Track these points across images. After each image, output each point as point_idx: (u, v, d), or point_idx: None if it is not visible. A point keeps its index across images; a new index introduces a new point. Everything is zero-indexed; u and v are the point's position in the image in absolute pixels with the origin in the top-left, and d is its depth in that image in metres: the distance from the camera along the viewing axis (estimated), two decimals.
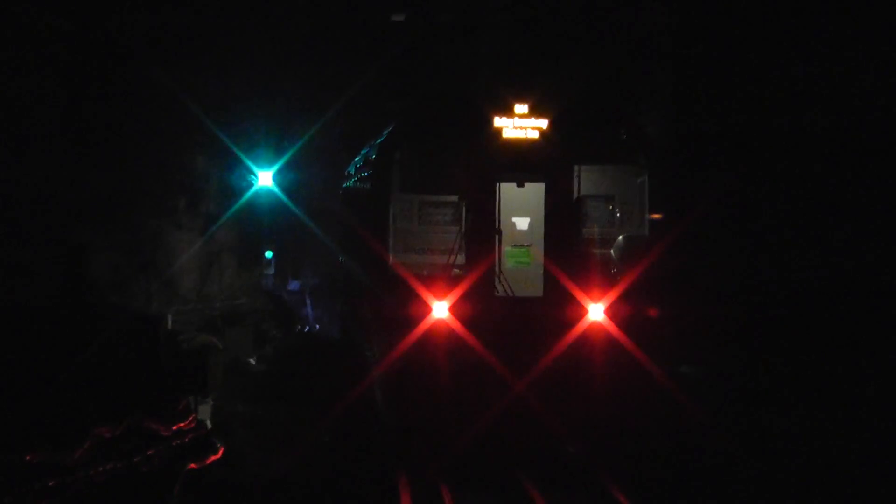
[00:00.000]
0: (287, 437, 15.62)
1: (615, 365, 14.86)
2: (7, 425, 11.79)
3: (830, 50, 17.06)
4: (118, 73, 18.37)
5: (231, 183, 22.71)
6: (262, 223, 24.72)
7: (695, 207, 16.68)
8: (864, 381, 16.00)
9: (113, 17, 18.25)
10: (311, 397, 17.56)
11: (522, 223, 16.60)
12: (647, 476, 13.94)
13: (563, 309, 15.01)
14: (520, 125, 15.48)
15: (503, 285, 15.62)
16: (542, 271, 15.52)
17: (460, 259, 15.61)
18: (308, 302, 28.21)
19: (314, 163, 24.44)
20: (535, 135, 15.44)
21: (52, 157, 17.11)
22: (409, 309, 14.86)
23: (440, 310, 14.85)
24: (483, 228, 15.41)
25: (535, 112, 15.47)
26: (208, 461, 13.73)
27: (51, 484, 11.41)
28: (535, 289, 15.68)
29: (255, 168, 22.36)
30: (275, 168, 22.49)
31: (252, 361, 22.10)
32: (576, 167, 15.72)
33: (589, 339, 14.97)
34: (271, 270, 27.16)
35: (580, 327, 14.94)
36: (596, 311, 14.99)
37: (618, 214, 16.68)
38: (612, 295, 15.00)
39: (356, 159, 18.96)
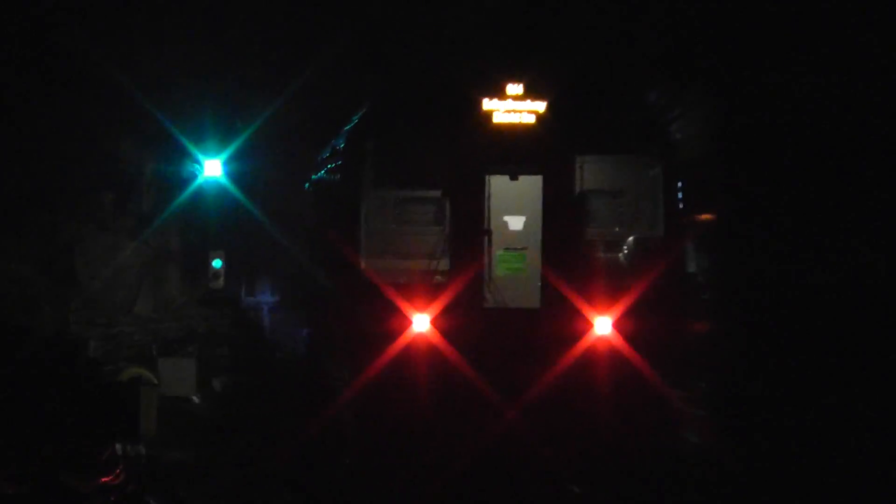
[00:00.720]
0: (236, 492, 14.39)
1: (625, 387, 14.18)
2: None
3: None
4: (27, 41, 17.20)
5: (171, 174, 21.19)
6: (209, 224, 22.61)
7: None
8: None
9: None
10: (268, 439, 16.20)
11: (516, 223, 15.81)
12: None
13: (563, 322, 14.51)
14: (513, 108, 14.96)
15: (493, 295, 15.07)
16: (538, 279, 14.96)
17: (444, 264, 15.05)
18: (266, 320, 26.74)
19: (274, 152, 22.87)
20: (530, 119, 14.92)
21: None
22: (384, 322, 14.36)
23: (421, 323, 14.35)
24: (470, 229, 15.01)
25: (530, 93, 14.97)
26: None
27: None
28: (530, 299, 15.10)
29: (200, 156, 20.68)
30: (224, 156, 20.76)
31: (195, 399, 19.70)
32: (578, 158, 15.13)
33: (594, 358, 14.41)
34: (220, 284, 24.42)
35: (584, 343, 14.43)
36: (602, 325, 14.40)
37: (627, 212, 15.95)
38: (622, 306, 14.35)
39: (324, 149, 18.37)
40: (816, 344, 16.11)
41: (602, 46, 16.43)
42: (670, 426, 14.63)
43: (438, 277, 14.97)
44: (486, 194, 15.01)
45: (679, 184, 15.26)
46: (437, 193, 15.64)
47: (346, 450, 15.04)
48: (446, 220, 15.21)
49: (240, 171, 21.10)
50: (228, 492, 14.30)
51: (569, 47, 16.08)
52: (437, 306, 14.26)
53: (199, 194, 21.04)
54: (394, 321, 14.21)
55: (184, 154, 20.46)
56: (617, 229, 15.83)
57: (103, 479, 12.06)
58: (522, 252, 15.63)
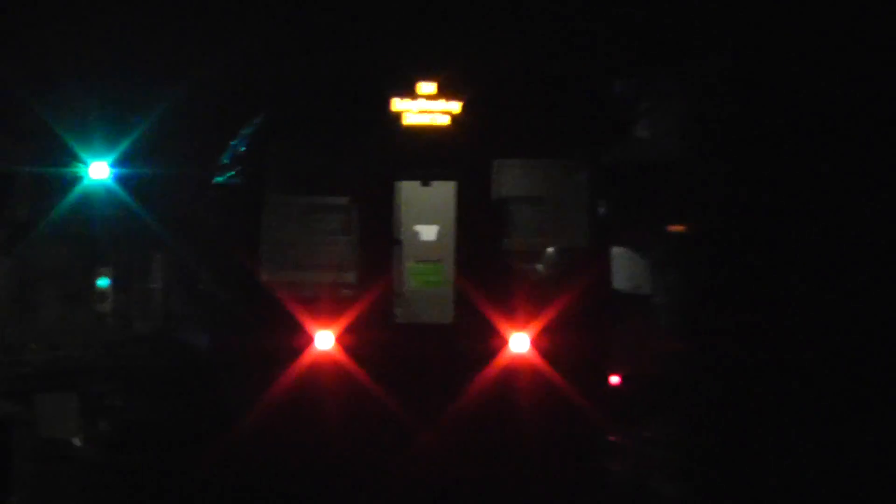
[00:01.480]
0: None
1: (544, 408, 13.91)
2: None
3: None
4: None
5: (51, 177, 19.48)
6: (96, 235, 20.88)
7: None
8: None
9: None
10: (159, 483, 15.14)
11: (429, 232, 15.48)
12: None
13: (478, 339, 14.18)
14: (425, 109, 14.62)
15: (404, 310, 14.77)
16: (452, 292, 14.73)
17: (351, 277, 14.69)
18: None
19: (173, 153, 22.07)
20: (444, 121, 14.60)
21: None
22: (283, 339, 13.98)
23: (324, 340, 13.99)
24: (379, 239, 14.64)
25: (444, 92, 14.63)
26: None
27: None
28: (444, 314, 14.79)
29: (85, 157, 19.08)
30: (113, 157, 19.24)
31: (78, 442, 17.52)
32: (495, 162, 14.86)
33: (511, 377, 14.08)
34: (107, 306, 22.41)
35: (500, 362, 14.06)
36: (519, 342, 14.09)
37: (549, 221, 15.63)
38: (541, 322, 14.11)
39: (224, 152, 17.79)
40: (806, 379, 15.46)
41: (525, 40, 16.13)
42: (592, 450, 14.40)
43: (345, 291, 14.66)
44: (397, 202, 14.72)
45: (607, 190, 15.07)
46: (343, 200, 15.25)
47: (244, 480, 14.32)
48: (354, 229, 14.86)
49: (131, 175, 19.65)
50: None
51: (487, 41, 15.73)
52: (343, 322, 13.97)
53: (85, 201, 19.62)
54: (295, 338, 13.95)
55: (67, 153, 19.01)
56: (537, 239, 15.48)
57: None
58: (437, 264, 15.32)
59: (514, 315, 14.06)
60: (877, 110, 15.87)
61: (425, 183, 14.88)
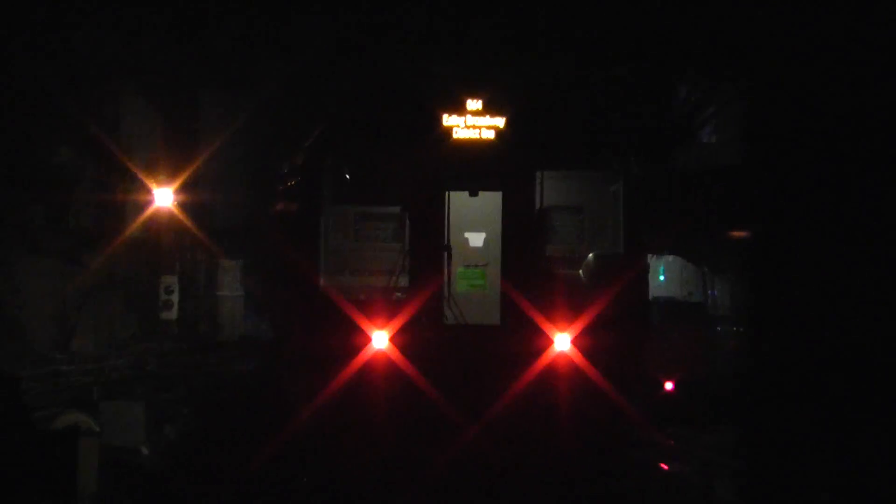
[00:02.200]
0: None
1: (585, 403, 14.30)
2: None
3: None
4: None
5: (114, 187, 19.58)
6: (161, 243, 21.10)
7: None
8: None
9: None
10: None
11: (476, 239, 15.94)
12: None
13: (523, 339, 14.53)
14: (472, 124, 15.14)
15: (453, 311, 15.12)
16: (499, 295, 15.06)
17: (403, 281, 15.14)
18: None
19: (230, 171, 22.05)
20: (490, 135, 15.10)
21: None
22: (343, 340, 14.33)
23: (380, 340, 14.37)
24: (430, 245, 15.09)
25: (490, 109, 15.14)
26: None
27: None
28: (491, 315, 15.16)
29: (153, 187, 19.42)
30: (176, 185, 19.67)
31: (144, 450, 16.98)
32: (538, 173, 15.28)
33: (554, 374, 14.44)
34: (173, 314, 22.15)
35: (544, 360, 14.43)
36: (562, 342, 14.44)
37: (588, 228, 16.18)
38: (581, 322, 14.43)
39: (284, 165, 18.41)
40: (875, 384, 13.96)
41: (564, 61, 16.62)
42: (628, 442, 14.79)
43: (398, 294, 15.05)
44: (446, 210, 15.08)
45: (641, 199, 15.31)
46: (396, 210, 15.83)
47: (306, 471, 14.85)
48: (406, 236, 15.34)
49: (194, 201, 20.07)
50: None
51: (529, 62, 16.26)
52: (397, 323, 14.29)
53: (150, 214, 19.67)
54: (353, 338, 14.25)
55: (130, 172, 19.15)
56: (577, 245, 16.01)
57: None
58: (483, 269, 15.76)
59: (557, 316, 14.40)
60: None
61: (473, 193, 15.38)
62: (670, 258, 25.18)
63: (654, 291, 22.65)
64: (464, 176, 15.17)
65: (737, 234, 20.91)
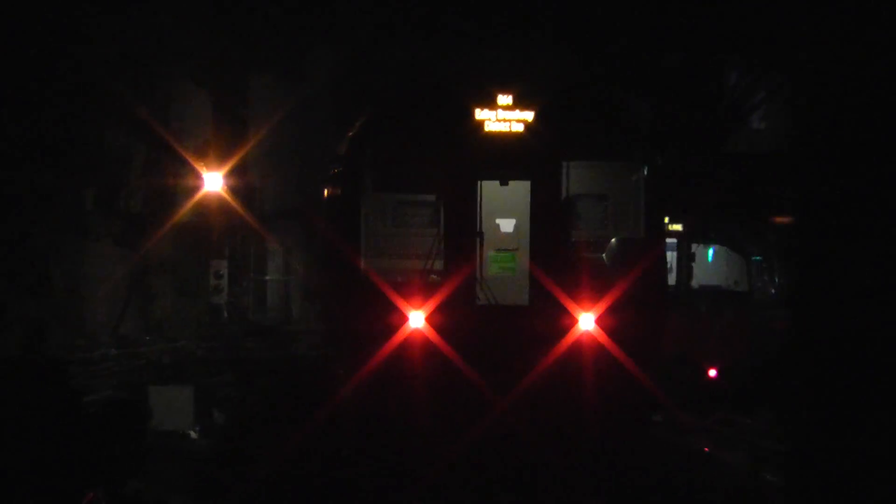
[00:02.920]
0: None
1: (608, 378, 14.81)
2: None
3: None
4: None
5: (164, 171, 19.28)
6: (210, 228, 20.60)
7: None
8: None
9: None
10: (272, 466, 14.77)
11: (507, 225, 16.59)
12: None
13: (550, 318, 14.96)
14: (503, 118, 15.42)
15: (485, 293, 15.56)
16: (527, 277, 15.50)
17: (438, 264, 15.54)
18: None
19: (275, 159, 22.44)
20: (519, 128, 15.40)
21: None
22: (382, 319, 14.82)
23: (416, 319, 14.82)
24: (463, 231, 15.39)
25: (520, 103, 15.42)
26: None
27: None
28: (520, 297, 15.64)
29: (202, 171, 19.32)
30: (226, 170, 19.73)
31: (193, 434, 17.17)
32: (564, 163, 15.63)
33: (579, 351, 14.93)
34: (222, 298, 21.61)
35: (569, 338, 14.90)
36: (586, 321, 14.94)
37: (611, 215, 16.70)
38: (604, 303, 14.95)
39: (330, 155, 18.69)
40: None
41: (593, 57, 17.18)
42: (650, 413, 15.38)
43: (433, 277, 15.50)
44: (479, 198, 15.44)
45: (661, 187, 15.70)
46: (432, 197, 16.51)
47: (347, 442, 15.42)
48: (441, 222, 15.81)
49: (242, 185, 19.70)
50: None
51: (558, 61, 16.79)
52: (432, 304, 14.78)
53: (200, 199, 19.32)
54: (391, 318, 14.74)
55: (181, 158, 18.81)
56: (601, 231, 16.58)
57: None
58: (513, 253, 16.37)
59: (581, 297, 14.92)
60: None
61: (503, 182, 15.94)
62: (717, 247, 25.21)
63: (699, 279, 23.50)
64: (495, 166, 15.51)
65: (785, 219, 21.38)
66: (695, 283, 23.59)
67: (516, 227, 16.52)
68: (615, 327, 14.92)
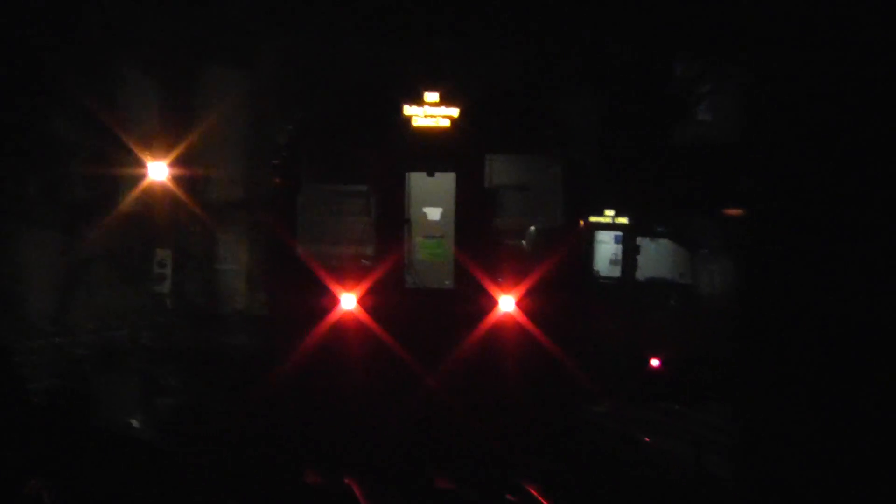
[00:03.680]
0: None
1: (527, 355, 15.66)
2: None
3: None
4: None
5: (110, 159, 19.10)
6: (155, 216, 20.66)
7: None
8: None
9: None
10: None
11: (434, 213, 17.29)
12: (561, 471, 14.73)
13: (474, 301, 15.73)
14: (430, 114, 16.16)
15: (413, 277, 16.40)
16: (453, 263, 16.30)
17: (370, 250, 16.33)
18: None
19: (222, 149, 22.51)
20: (445, 123, 16.15)
21: None
22: (317, 300, 15.50)
23: (348, 301, 15.51)
24: (393, 219, 16.18)
25: (446, 100, 16.16)
26: None
27: None
28: (446, 280, 16.47)
29: (148, 160, 19.42)
30: (171, 159, 20.00)
31: (136, 423, 16.80)
32: (487, 156, 16.42)
33: (501, 331, 15.72)
34: (166, 287, 21.49)
35: (491, 319, 15.71)
36: (507, 303, 15.68)
37: (531, 205, 17.43)
38: (524, 286, 15.76)
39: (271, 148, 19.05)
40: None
41: (514, 60, 17.95)
42: (566, 390, 15.86)
43: (365, 261, 16.15)
44: (407, 189, 16.17)
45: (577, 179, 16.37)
46: (364, 188, 17.03)
47: (283, 417, 16.11)
48: (372, 211, 16.46)
49: (187, 175, 19.76)
50: None
51: (483, 61, 17.17)
52: (363, 287, 15.48)
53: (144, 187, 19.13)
54: (325, 299, 15.44)
55: (124, 146, 18.66)
56: (521, 219, 17.29)
57: None
58: (440, 239, 17.03)
59: (503, 281, 15.72)
60: None
61: (430, 174, 16.60)
62: (663, 240, 25.47)
63: (645, 272, 23.88)
64: (422, 159, 16.22)
65: (732, 212, 21.61)
66: (640, 275, 24.08)
67: (443, 215, 17.19)
68: (534, 309, 15.70)
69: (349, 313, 15.56)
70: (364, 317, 15.52)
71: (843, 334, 12.68)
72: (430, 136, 16.21)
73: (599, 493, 14.20)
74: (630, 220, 23.70)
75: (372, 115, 16.35)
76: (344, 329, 15.55)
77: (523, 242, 17.12)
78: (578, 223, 16.73)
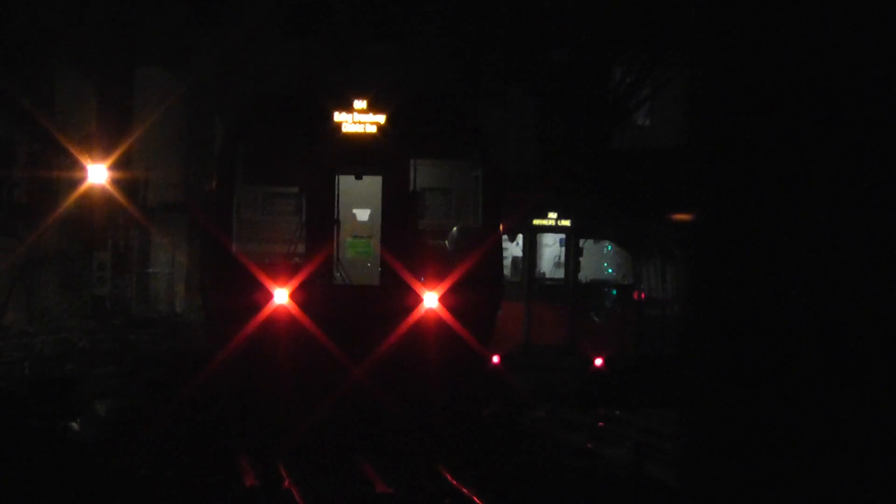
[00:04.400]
0: None
1: (448, 348, 16.41)
2: None
3: None
4: None
5: (48, 162, 19.31)
6: (94, 219, 20.76)
7: None
8: None
9: None
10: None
11: (363, 215, 18.12)
12: (474, 456, 15.59)
13: (399, 297, 16.42)
14: (359, 120, 16.82)
15: (342, 274, 17.05)
16: (379, 261, 16.99)
17: (301, 248, 16.88)
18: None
19: (161, 152, 22.97)
20: (373, 129, 16.82)
21: None
22: (250, 295, 16.12)
23: (281, 296, 16.17)
24: (323, 219, 16.75)
25: (373, 107, 16.84)
26: None
27: None
28: (373, 278, 17.23)
29: (87, 163, 19.50)
30: (110, 162, 20.05)
31: (75, 426, 16.79)
32: (412, 161, 17.06)
33: (424, 326, 16.44)
34: (105, 289, 21.72)
35: (415, 315, 16.41)
36: (430, 299, 16.43)
37: (453, 207, 18.29)
38: (446, 284, 16.49)
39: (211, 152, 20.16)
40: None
41: (439, 70, 18.70)
42: (481, 372, 16.77)
43: (296, 259, 16.69)
44: (337, 191, 16.70)
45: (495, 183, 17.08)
46: (296, 190, 17.71)
47: (221, 406, 16.98)
48: (303, 211, 16.98)
49: (127, 178, 20.00)
50: None
51: (410, 71, 17.95)
52: (295, 282, 16.05)
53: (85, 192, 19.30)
54: (258, 295, 16.02)
55: (65, 151, 19.11)
56: (444, 221, 18.10)
57: None
58: (368, 239, 17.83)
59: (427, 278, 16.43)
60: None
61: (359, 177, 17.36)
62: (605, 242, 25.87)
63: (587, 273, 24.46)
64: (351, 162, 16.81)
65: (673, 215, 22.14)
66: (583, 276, 24.64)
67: (371, 216, 18.01)
68: (455, 305, 16.47)
69: (282, 307, 16.10)
70: (296, 311, 16.03)
71: (787, 336, 12.22)
72: (358, 142, 16.77)
73: (539, 499, 14.37)
74: (573, 222, 24.07)
75: (304, 121, 16.92)
76: (277, 322, 16.07)
77: (446, 242, 17.92)
78: (498, 225, 17.42)
